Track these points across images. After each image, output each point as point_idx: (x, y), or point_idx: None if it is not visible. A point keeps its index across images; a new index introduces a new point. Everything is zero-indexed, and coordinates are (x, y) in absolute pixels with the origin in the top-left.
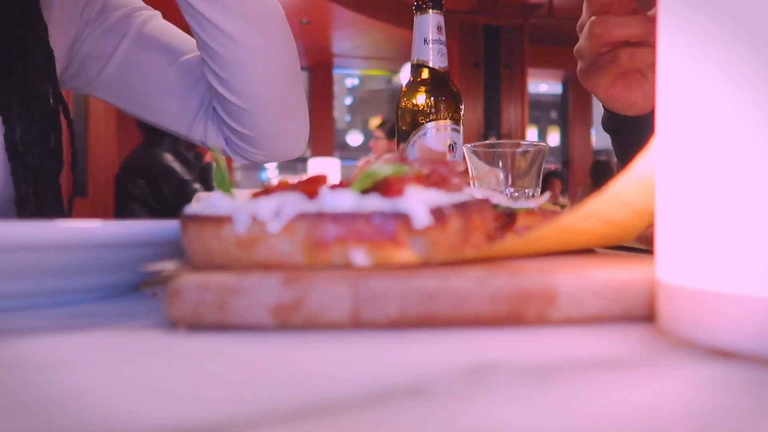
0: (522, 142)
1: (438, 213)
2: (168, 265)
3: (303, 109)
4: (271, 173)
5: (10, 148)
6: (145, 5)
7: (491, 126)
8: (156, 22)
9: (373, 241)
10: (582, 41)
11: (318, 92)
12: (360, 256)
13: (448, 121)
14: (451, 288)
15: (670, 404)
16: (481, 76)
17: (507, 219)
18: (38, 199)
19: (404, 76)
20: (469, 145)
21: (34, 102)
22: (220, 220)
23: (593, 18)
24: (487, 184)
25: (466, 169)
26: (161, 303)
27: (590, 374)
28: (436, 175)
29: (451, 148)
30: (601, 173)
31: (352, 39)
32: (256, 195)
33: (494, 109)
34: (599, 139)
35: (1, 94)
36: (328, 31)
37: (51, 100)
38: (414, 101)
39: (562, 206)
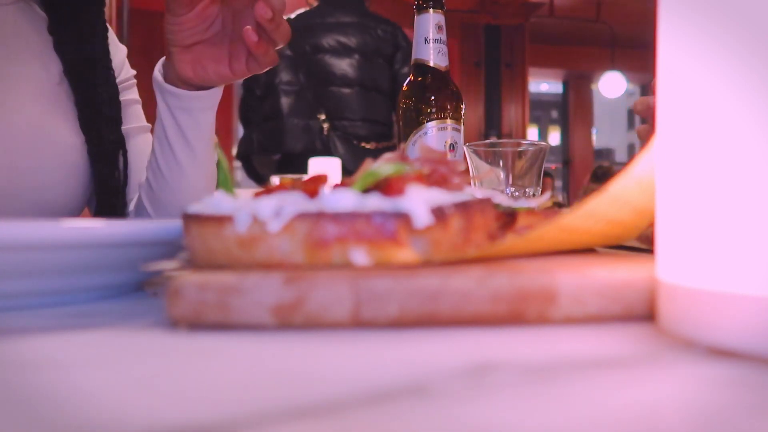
0: (522, 142)
1: (439, 212)
2: (169, 265)
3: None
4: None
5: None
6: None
7: (492, 125)
8: (143, 138)
9: (374, 241)
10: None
11: None
12: (360, 256)
13: (449, 121)
14: (452, 287)
15: (671, 404)
16: (482, 76)
17: (508, 218)
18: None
19: None
20: (469, 145)
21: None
22: (221, 220)
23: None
24: (487, 184)
25: (467, 168)
26: (162, 302)
27: (591, 374)
28: (436, 175)
29: (452, 147)
30: (603, 177)
31: None
32: (257, 195)
33: (495, 108)
34: (599, 138)
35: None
36: None
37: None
38: (414, 101)
39: (560, 204)
